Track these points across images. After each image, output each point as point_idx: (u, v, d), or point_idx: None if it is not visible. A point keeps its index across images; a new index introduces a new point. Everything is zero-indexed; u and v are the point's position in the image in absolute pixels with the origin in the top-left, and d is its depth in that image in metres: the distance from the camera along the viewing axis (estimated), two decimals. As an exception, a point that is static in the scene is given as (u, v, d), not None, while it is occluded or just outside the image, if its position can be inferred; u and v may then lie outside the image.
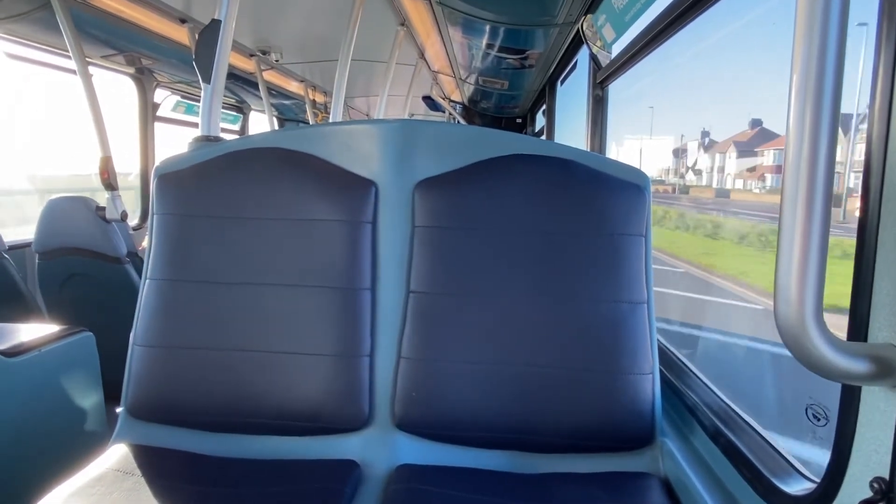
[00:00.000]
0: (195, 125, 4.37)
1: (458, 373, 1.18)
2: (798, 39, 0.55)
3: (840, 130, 0.56)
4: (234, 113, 5.50)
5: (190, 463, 1.17)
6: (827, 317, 0.59)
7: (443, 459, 1.21)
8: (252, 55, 3.71)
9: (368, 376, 1.23)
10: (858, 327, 0.70)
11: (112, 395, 1.51)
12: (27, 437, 1.55)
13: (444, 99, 5.77)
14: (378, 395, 1.24)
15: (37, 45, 2.95)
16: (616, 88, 2.52)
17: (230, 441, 1.24)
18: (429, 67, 4.43)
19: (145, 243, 1.32)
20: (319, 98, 5.29)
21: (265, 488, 1.08)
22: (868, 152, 0.68)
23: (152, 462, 1.15)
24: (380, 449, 1.22)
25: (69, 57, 2.60)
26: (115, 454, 1.16)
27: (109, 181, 2.75)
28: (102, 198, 2.70)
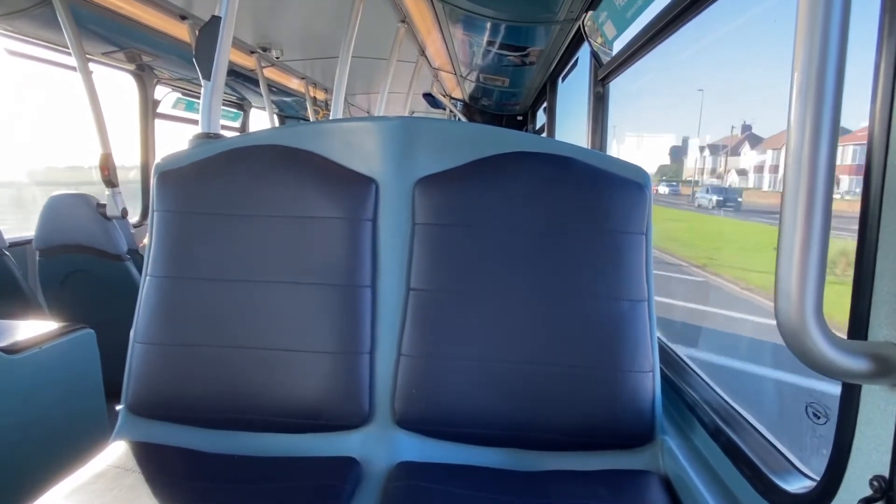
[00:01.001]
0: (195, 122, 4.36)
1: (459, 370, 1.19)
2: (799, 39, 0.55)
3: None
4: (235, 110, 5.49)
5: (190, 460, 1.17)
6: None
7: (443, 456, 1.21)
8: (252, 52, 3.71)
9: (368, 373, 1.23)
10: (859, 325, 0.70)
11: (112, 392, 1.51)
12: (28, 434, 1.56)
13: (444, 96, 5.76)
14: (378, 393, 1.24)
15: (37, 42, 2.95)
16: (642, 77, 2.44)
17: (230, 438, 1.24)
18: (429, 64, 4.42)
19: (146, 240, 1.32)
20: (320, 95, 5.29)
21: (265, 485, 1.08)
22: (869, 151, 0.68)
23: (153, 459, 1.15)
24: (380, 446, 1.22)
25: (69, 54, 2.59)
26: (116, 451, 1.16)
27: (110, 178, 2.75)
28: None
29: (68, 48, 2.56)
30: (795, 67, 0.55)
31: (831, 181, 0.56)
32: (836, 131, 0.55)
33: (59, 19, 2.43)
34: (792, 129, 0.56)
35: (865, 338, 0.69)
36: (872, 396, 0.70)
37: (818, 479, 0.81)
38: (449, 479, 1.11)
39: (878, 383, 0.67)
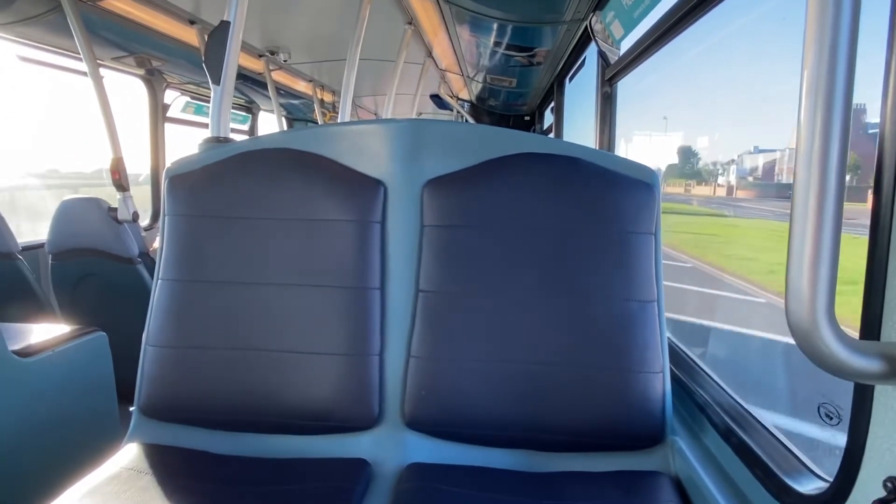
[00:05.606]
0: (205, 126, 4.40)
1: (468, 371, 1.19)
2: (809, 35, 0.54)
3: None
4: (244, 113, 5.53)
5: (202, 461, 1.18)
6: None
7: (453, 458, 1.21)
8: (261, 56, 3.73)
9: (378, 375, 1.23)
10: (871, 325, 0.70)
11: (125, 394, 1.53)
12: (41, 436, 1.57)
13: (452, 97, 5.76)
14: (388, 394, 1.24)
15: (49, 49, 2.99)
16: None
17: (242, 440, 1.25)
18: (436, 66, 4.42)
19: (157, 244, 1.33)
20: (328, 97, 5.31)
21: (276, 487, 1.08)
22: (880, 148, 0.67)
23: (165, 461, 1.16)
24: (390, 447, 1.23)
25: (80, 59, 2.62)
26: (129, 453, 1.17)
27: (120, 182, 2.78)
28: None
29: (79, 54, 2.59)
30: (805, 66, 0.55)
31: (843, 181, 0.55)
32: (847, 130, 0.55)
33: (70, 26, 2.46)
34: (802, 128, 0.56)
35: (878, 338, 0.69)
36: (885, 397, 0.69)
37: (831, 480, 0.80)
38: (459, 481, 1.11)
39: (891, 384, 0.67)
